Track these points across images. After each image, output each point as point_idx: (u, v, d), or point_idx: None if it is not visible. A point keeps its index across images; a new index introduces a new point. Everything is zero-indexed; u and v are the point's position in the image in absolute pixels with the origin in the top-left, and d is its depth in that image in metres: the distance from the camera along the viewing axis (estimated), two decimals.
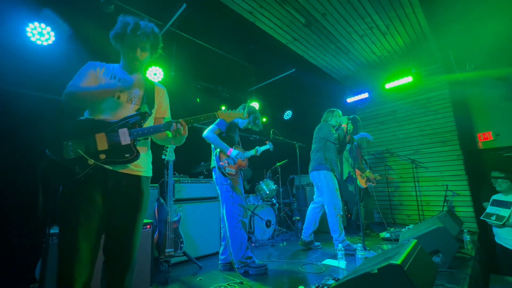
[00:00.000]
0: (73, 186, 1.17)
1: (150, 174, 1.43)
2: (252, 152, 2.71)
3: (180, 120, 1.36)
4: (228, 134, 2.61)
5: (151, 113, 1.42)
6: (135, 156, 1.27)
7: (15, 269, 2.31)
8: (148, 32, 1.34)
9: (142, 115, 1.34)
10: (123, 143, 1.24)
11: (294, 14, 3.31)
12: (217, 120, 2.54)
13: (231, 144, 2.60)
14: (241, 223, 2.43)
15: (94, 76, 1.33)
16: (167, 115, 1.57)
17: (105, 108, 1.30)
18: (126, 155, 1.25)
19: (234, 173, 2.52)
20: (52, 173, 1.16)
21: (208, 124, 2.39)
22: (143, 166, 1.37)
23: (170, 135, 1.41)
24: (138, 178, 1.34)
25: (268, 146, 2.84)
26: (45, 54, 2.68)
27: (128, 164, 1.28)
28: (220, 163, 2.48)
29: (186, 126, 1.37)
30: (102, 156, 1.20)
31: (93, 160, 1.17)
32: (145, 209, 1.37)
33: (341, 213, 2.97)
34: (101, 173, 1.22)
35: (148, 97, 1.43)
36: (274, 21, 3.46)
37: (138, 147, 1.30)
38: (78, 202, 1.17)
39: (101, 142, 1.21)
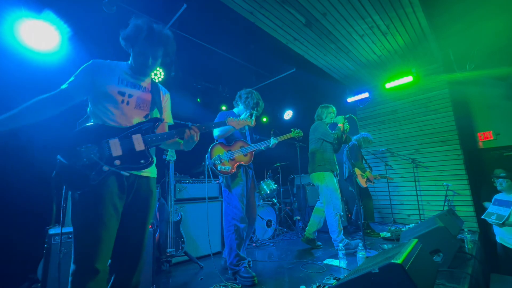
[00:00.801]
0: (92, 190, 1.15)
1: (156, 175, 1.45)
2: (255, 146, 2.35)
3: (192, 126, 1.38)
4: None
5: (162, 119, 1.42)
6: (150, 162, 1.28)
7: (17, 269, 2.32)
8: (163, 40, 1.32)
9: (155, 121, 1.33)
10: (138, 149, 1.24)
11: (294, 14, 3.32)
12: (217, 118, 2.43)
13: (232, 139, 2.40)
14: (233, 226, 2.21)
15: (94, 81, 1.26)
16: (170, 120, 1.57)
17: (113, 114, 1.27)
18: (141, 161, 1.25)
19: (229, 170, 2.24)
20: (66, 179, 1.13)
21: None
22: (151, 168, 1.38)
23: (181, 141, 1.45)
24: (148, 179, 1.35)
25: (298, 132, 2.61)
26: (52, 55, 2.66)
27: (144, 169, 1.29)
28: (210, 160, 2.26)
29: (199, 133, 1.39)
30: (117, 162, 1.19)
31: (108, 167, 1.16)
32: (153, 210, 1.41)
33: (341, 213, 2.96)
34: (115, 176, 1.21)
35: (157, 103, 1.42)
36: (274, 21, 3.46)
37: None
38: (101, 207, 1.15)
39: (115, 148, 1.20)
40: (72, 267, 1.11)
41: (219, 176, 2.34)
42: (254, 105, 2.42)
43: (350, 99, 5.60)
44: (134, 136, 1.24)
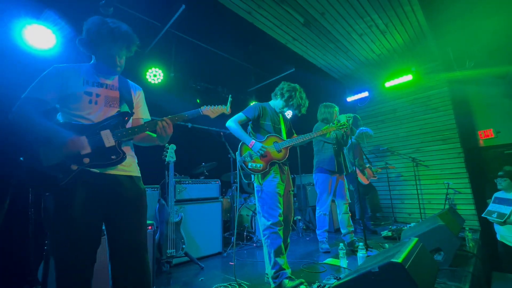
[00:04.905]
0: (63, 191, 1.11)
1: (139, 174, 1.40)
2: (290, 141, 2.13)
3: (164, 118, 1.34)
4: (260, 122, 2.21)
5: (132, 112, 1.38)
6: (122, 157, 1.24)
7: (18, 271, 2.32)
8: (126, 37, 1.27)
9: (124, 115, 1.29)
10: (107, 145, 1.20)
11: (292, 13, 3.32)
12: (247, 108, 2.25)
13: (265, 133, 2.18)
14: (269, 230, 1.96)
15: (60, 85, 1.22)
16: (145, 116, 1.51)
17: (83, 113, 1.23)
18: (112, 157, 1.22)
19: (260, 168, 2.02)
20: (33, 181, 1.09)
21: (232, 115, 1.89)
22: (131, 166, 1.35)
23: (154, 135, 1.41)
24: (130, 178, 1.32)
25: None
26: (44, 57, 2.67)
27: (117, 165, 1.25)
28: (240, 158, 2.05)
29: (172, 125, 1.36)
30: (86, 160, 1.15)
31: (76, 165, 1.12)
32: (146, 207, 1.36)
33: (327, 213, 3.06)
34: (89, 176, 1.17)
35: (126, 98, 1.38)
36: (273, 21, 3.46)
37: (123, 148, 1.27)
38: (76, 208, 1.11)
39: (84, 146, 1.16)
40: (55, 271, 1.10)
41: (251, 175, 2.12)
42: (288, 99, 2.26)
43: (349, 99, 5.60)
44: (102, 132, 1.20)
